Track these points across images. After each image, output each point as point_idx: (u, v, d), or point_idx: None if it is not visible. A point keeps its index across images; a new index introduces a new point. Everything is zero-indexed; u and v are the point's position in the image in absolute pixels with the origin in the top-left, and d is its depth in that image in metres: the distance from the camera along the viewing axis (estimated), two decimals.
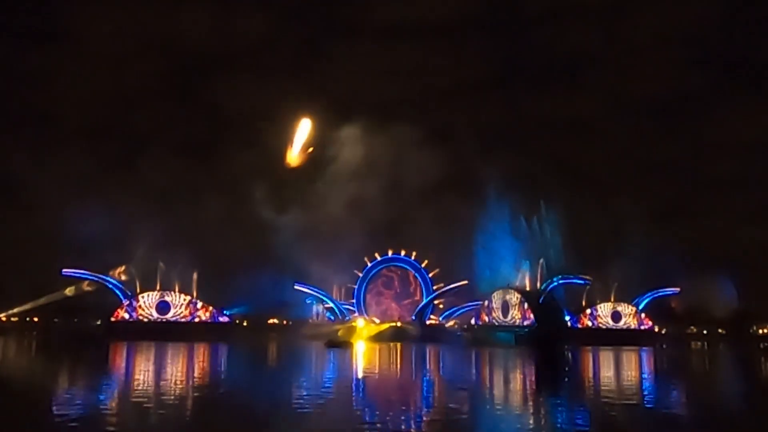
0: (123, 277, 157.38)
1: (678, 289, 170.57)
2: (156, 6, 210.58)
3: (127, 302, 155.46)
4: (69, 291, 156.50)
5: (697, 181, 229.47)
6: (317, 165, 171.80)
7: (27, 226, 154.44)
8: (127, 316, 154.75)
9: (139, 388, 39.72)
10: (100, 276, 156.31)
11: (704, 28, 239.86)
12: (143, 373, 51.37)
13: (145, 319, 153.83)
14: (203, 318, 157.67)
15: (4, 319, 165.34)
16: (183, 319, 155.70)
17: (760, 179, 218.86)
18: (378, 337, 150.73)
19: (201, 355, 79.05)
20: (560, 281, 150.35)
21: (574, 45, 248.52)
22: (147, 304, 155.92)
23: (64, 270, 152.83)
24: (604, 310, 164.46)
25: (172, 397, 34.80)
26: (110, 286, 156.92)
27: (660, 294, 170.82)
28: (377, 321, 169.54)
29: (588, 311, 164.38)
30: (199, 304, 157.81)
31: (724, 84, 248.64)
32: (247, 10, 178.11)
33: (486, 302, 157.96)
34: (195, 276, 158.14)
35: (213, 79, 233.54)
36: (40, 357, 76.31)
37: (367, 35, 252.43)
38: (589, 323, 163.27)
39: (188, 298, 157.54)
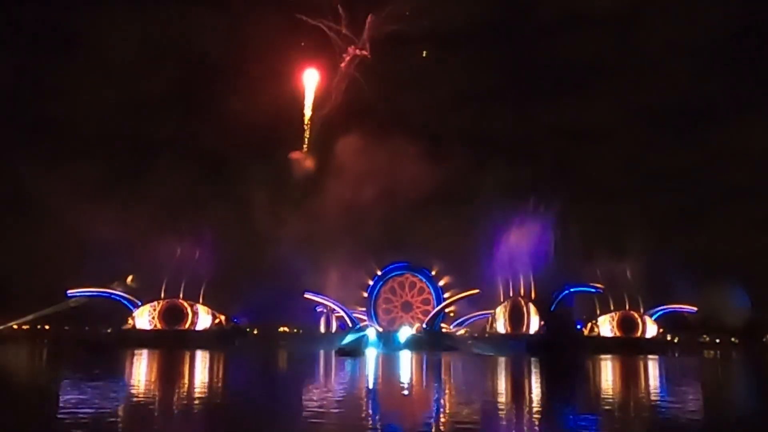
0: (129, 283, 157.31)
1: (695, 308, 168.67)
2: (170, 14, 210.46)
3: (137, 311, 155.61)
4: (74, 302, 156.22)
5: (709, 190, 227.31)
6: (326, 171, 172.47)
7: (37, 235, 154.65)
8: (136, 324, 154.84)
9: (149, 396, 39.51)
10: (106, 292, 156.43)
11: (716, 38, 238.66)
12: (152, 382, 51.17)
13: (155, 328, 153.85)
14: (213, 326, 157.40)
15: (15, 327, 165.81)
16: (192, 328, 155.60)
17: None
18: (388, 346, 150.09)
19: (212, 363, 78.82)
20: (572, 290, 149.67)
21: (585, 54, 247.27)
22: (156, 312, 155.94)
23: (68, 291, 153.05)
24: (616, 318, 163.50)
25: (185, 406, 34.57)
26: (117, 298, 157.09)
27: (676, 310, 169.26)
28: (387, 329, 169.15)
29: (600, 320, 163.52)
30: (209, 313, 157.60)
31: (735, 92, 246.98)
32: (259, 17, 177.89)
33: (497, 310, 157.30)
34: (204, 284, 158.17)
35: (225, 87, 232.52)
36: (51, 365, 76.21)
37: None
38: (601, 332, 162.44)
39: (198, 306, 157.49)
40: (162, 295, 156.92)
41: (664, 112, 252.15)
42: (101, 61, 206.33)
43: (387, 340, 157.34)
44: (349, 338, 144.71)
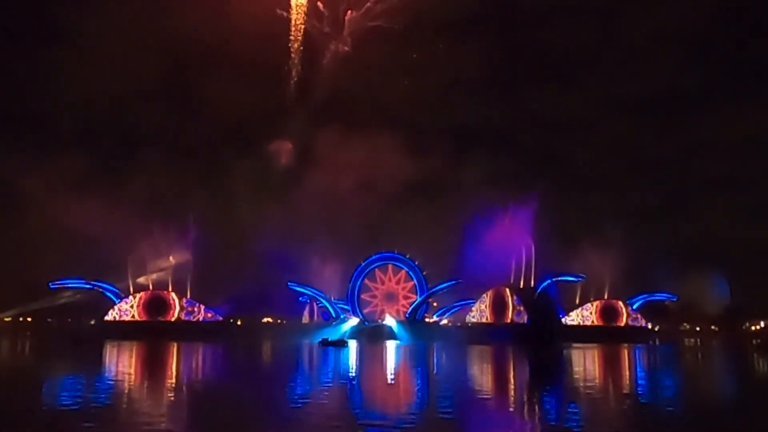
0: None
1: (675, 295, 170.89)
2: (154, 6, 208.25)
3: (120, 302, 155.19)
4: (62, 294, 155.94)
5: (689, 180, 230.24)
6: (309, 164, 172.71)
7: (20, 228, 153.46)
8: (120, 316, 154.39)
9: (128, 388, 39.72)
10: (88, 283, 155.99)
11: (697, 29, 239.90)
12: (131, 374, 51.32)
13: (139, 320, 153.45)
14: (197, 318, 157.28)
15: None
16: (176, 319, 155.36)
17: (752, 177, 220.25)
18: (371, 336, 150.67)
19: (195, 355, 78.93)
20: (554, 279, 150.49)
21: (569, 44, 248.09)
22: (140, 304, 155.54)
23: (51, 283, 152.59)
24: (598, 307, 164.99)
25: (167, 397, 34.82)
26: (101, 290, 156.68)
27: (655, 298, 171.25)
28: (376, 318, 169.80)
29: (581, 308, 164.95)
30: (193, 304, 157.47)
31: (716, 83, 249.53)
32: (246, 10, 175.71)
33: (480, 300, 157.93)
34: (189, 276, 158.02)
35: (210, 80, 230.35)
36: (31, 358, 76.00)
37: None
38: (583, 320, 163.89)
39: (182, 298, 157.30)
40: (151, 286, 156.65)
41: (647, 103, 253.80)
42: (85, 54, 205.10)
43: (370, 330, 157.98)
44: (333, 329, 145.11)
